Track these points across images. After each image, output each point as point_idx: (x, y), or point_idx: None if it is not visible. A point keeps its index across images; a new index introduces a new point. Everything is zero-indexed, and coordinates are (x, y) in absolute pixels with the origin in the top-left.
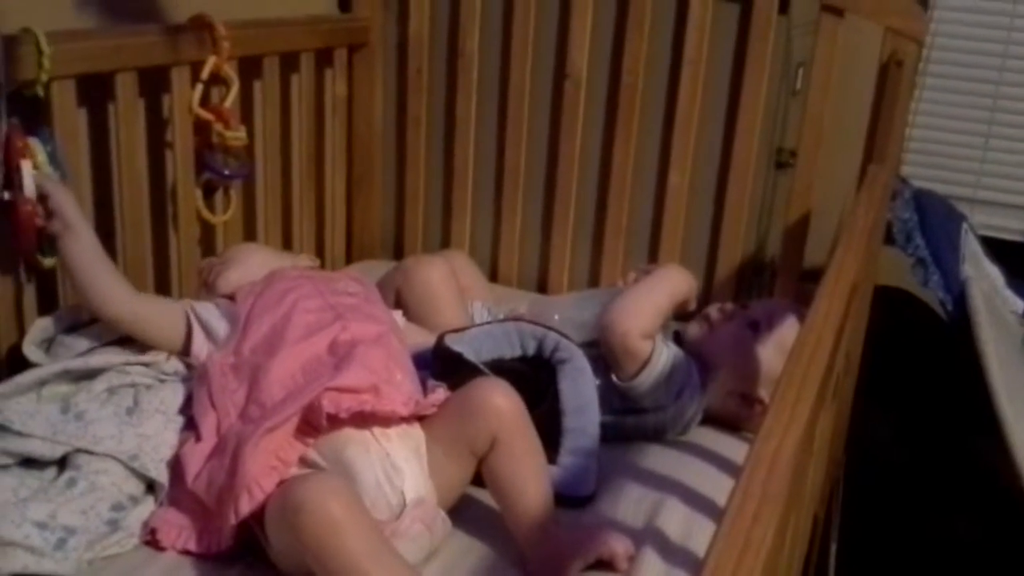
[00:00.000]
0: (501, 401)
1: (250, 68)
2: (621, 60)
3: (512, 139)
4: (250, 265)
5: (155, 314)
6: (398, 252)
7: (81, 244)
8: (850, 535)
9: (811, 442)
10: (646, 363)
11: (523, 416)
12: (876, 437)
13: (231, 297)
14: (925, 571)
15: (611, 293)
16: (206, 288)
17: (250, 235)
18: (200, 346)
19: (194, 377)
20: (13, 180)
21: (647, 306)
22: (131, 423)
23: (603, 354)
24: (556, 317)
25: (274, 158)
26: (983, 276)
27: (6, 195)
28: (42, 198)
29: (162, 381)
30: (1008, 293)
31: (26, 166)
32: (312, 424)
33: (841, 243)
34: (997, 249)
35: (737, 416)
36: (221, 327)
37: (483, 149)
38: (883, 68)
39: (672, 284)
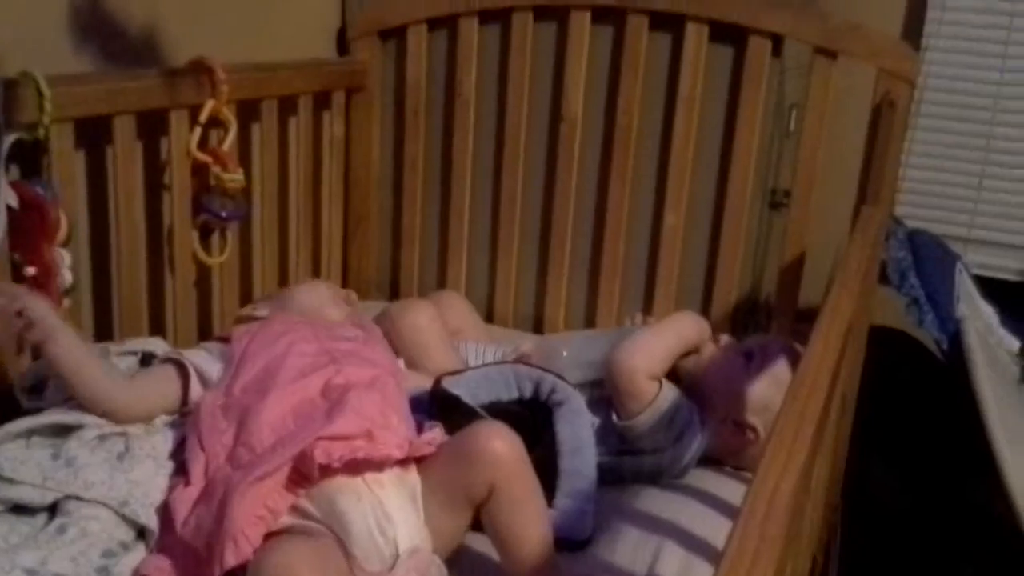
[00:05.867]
0: (500, 447)
1: (248, 110)
2: (616, 102)
3: (508, 180)
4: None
5: (148, 396)
6: (394, 292)
7: (64, 347)
8: None
9: (809, 483)
10: (650, 403)
11: (523, 461)
12: (873, 478)
13: (226, 339)
14: None
15: (620, 333)
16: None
17: (246, 277)
18: (197, 395)
19: (186, 421)
20: (46, 262)
21: (656, 347)
22: (122, 469)
23: (607, 393)
24: (564, 353)
25: (271, 199)
26: (978, 315)
27: (31, 271)
28: (19, 312)
29: (150, 431)
30: (1003, 332)
31: (66, 257)
32: (303, 474)
33: (836, 283)
34: (991, 288)
35: (730, 445)
36: (215, 370)
37: (479, 190)
38: (876, 109)
39: (683, 329)
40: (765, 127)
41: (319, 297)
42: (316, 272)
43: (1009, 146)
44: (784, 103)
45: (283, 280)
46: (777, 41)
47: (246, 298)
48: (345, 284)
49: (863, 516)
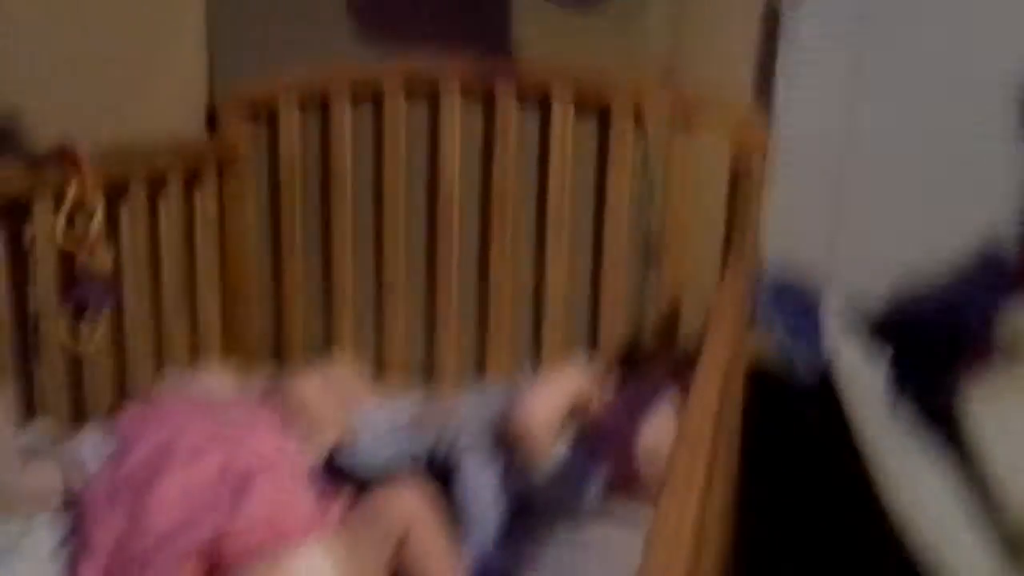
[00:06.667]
0: (413, 494)
1: (116, 192)
2: (491, 170)
3: (390, 248)
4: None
5: (36, 490)
6: (279, 362)
7: None
8: None
9: (703, 532)
10: (546, 454)
11: (434, 510)
12: (765, 517)
13: (112, 424)
14: None
15: (512, 388)
16: None
17: (120, 359)
18: (78, 487)
19: (68, 516)
20: None
21: (549, 400)
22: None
23: (505, 448)
24: (463, 411)
25: (143, 280)
26: (846, 350)
27: None
28: None
29: (28, 529)
30: (870, 367)
31: None
32: (212, 562)
33: (710, 331)
34: (856, 325)
35: (625, 486)
36: (96, 459)
37: (361, 260)
38: (733, 176)
39: (572, 382)
40: (634, 189)
41: (225, 386)
42: (194, 349)
43: (861, 194)
44: (650, 166)
45: (158, 359)
46: (639, 112)
47: (121, 383)
48: (226, 358)
49: (757, 553)
